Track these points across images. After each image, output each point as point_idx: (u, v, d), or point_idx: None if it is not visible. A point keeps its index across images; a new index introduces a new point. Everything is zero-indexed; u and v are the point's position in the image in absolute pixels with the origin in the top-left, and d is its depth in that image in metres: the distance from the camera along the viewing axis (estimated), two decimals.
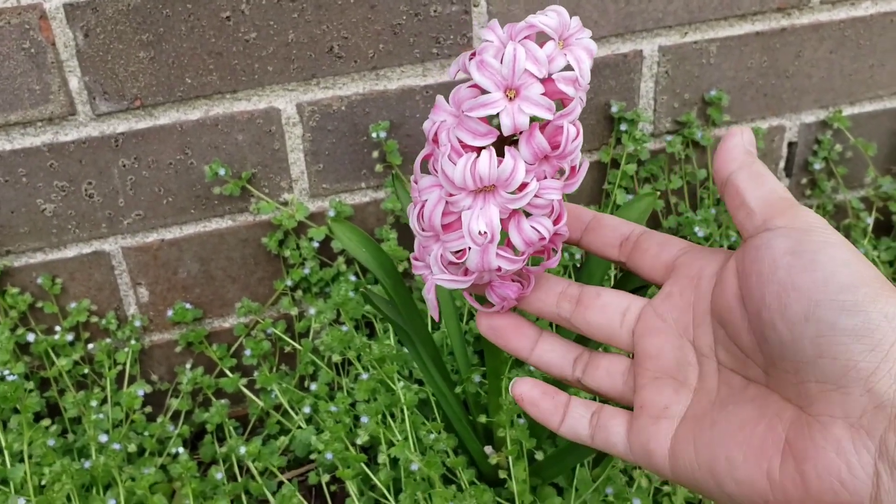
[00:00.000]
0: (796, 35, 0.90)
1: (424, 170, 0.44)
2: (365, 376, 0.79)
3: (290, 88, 0.79)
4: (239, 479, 0.80)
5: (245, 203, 0.83)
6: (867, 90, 0.96)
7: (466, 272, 0.44)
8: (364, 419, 0.75)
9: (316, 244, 0.85)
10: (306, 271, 0.85)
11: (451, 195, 0.41)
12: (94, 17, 0.72)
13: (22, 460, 0.77)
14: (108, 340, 0.83)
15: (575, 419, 0.45)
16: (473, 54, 0.41)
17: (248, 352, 0.84)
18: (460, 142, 0.40)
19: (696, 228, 0.90)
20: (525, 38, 0.39)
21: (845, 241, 0.36)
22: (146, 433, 0.82)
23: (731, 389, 0.39)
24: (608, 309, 0.45)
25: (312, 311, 0.84)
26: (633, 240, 0.45)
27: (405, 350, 0.83)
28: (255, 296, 0.87)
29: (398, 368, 0.79)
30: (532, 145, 0.40)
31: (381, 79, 0.81)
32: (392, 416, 0.78)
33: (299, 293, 0.87)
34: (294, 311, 0.87)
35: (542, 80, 0.39)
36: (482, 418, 0.75)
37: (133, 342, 0.84)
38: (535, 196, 0.41)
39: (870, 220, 0.99)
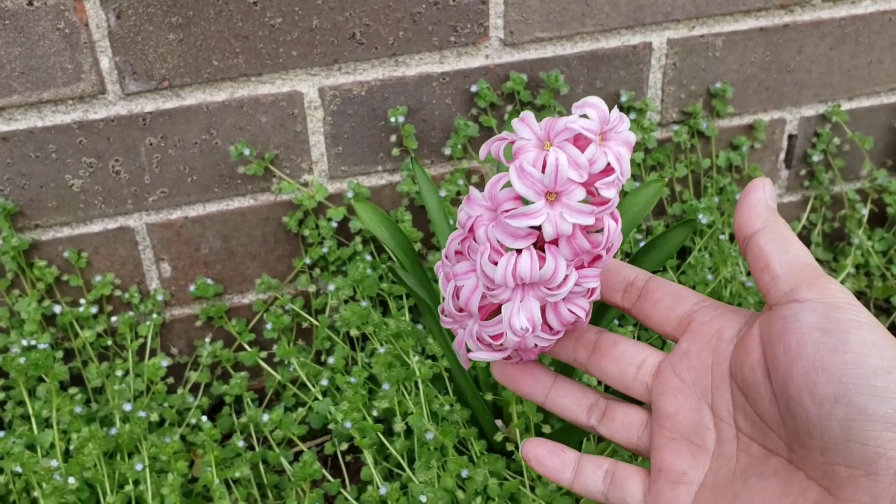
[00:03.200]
0: (798, 31, 0.94)
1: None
2: (382, 350, 0.81)
3: (312, 73, 0.82)
4: (257, 449, 0.83)
5: (267, 183, 0.86)
6: (865, 86, 0.99)
7: (501, 347, 0.44)
8: (385, 386, 0.78)
9: (334, 224, 0.87)
10: (324, 250, 0.88)
11: (489, 288, 0.41)
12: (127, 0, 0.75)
13: (48, 427, 0.80)
14: (130, 314, 0.86)
15: (587, 476, 0.45)
16: (503, 139, 0.40)
17: (268, 325, 0.87)
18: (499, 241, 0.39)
19: (700, 216, 0.94)
20: (564, 140, 0.38)
21: (873, 318, 0.36)
22: (166, 404, 0.85)
23: (751, 459, 0.39)
24: (624, 360, 0.44)
25: (331, 287, 0.87)
26: (637, 285, 0.45)
27: (419, 327, 0.86)
28: (274, 273, 0.90)
29: (413, 344, 0.82)
30: (573, 245, 0.40)
31: (399, 65, 0.84)
32: (407, 389, 0.81)
33: (317, 271, 0.90)
34: (312, 289, 0.90)
35: (583, 182, 0.39)
36: (489, 396, 0.79)
37: (155, 316, 0.87)
38: (575, 284, 0.41)
39: (865, 211, 1.02)
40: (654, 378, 0.43)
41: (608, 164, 0.38)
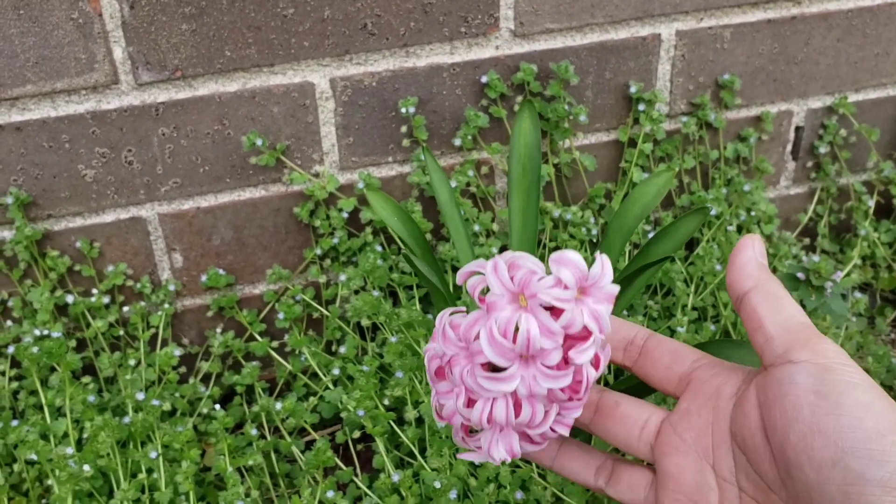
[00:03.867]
0: (806, 23, 0.94)
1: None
2: (394, 339, 0.82)
3: (324, 63, 0.83)
4: (268, 438, 0.83)
5: (278, 174, 0.86)
6: (871, 78, 1.00)
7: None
8: (399, 374, 0.78)
9: (345, 214, 0.88)
10: (335, 240, 0.88)
11: (468, 420, 0.40)
12: None
13: (61, 416, 0.80)
14: (142, 304, 0.86)
15: None
16: (479, 271, 0.39)
17: (280, 315, 0.87)
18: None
19: (709, 206, 0.94)
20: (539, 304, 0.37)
21: (867, 378, 0.36)
22: (178, 394, 0.85)
23: None
24: (627, 421, 0.44)
25: (343, 277, 0.87)
26: (638, 343, 0.45)
27: (430, 317, 0.87)
28: (285, 264, 0.90)
29: (424, 334, 0.83)
30: (550, 396, 0.39)
31: (410, 56, 0.85)
32: (418, 379, 0.82)
33: (327, 262, 0.91)
34: (322, 279, 0.91)
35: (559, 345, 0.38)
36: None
37: (166, 306, 0.87)
38: (557, 414, 0.40)
39: (871, 203, 1.03)
40: (656, 438, 0.44)
41: (584, 325, 0.37)
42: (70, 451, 0.72)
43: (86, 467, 0.72)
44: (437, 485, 0.69)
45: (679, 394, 0.44)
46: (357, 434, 0.82)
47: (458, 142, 0.89)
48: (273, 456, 0.82)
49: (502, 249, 0.94)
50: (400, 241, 0.87)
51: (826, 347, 0.37)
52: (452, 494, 0.69)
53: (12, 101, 0.77)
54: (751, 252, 0.41)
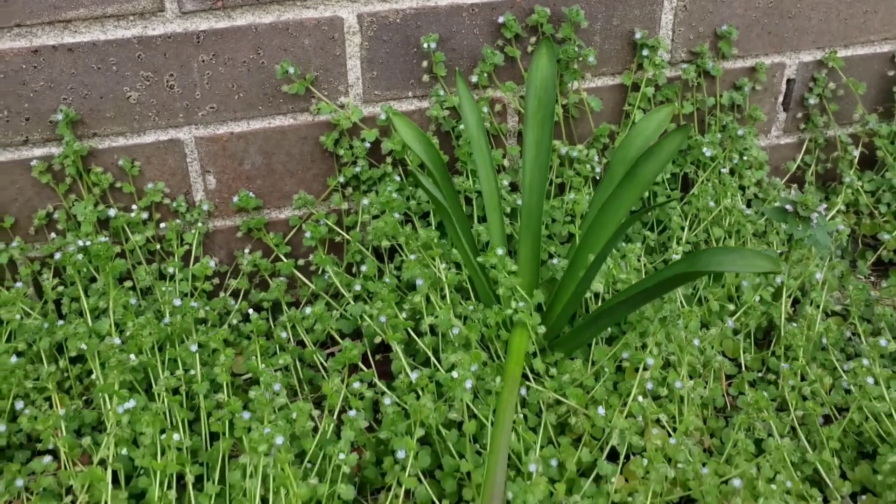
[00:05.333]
0: None
1: None
2: (413, 257, 0.89)
3: None
4: (293, 347, 0.90)
5: (306, 103, 0.93)
6: (860, 34, 1.07)
7: None
8: (419, 281, 0.84)
9: (367, 145, 0.94)
10: (357, 169, 0.95)
11: None
12: None
13: (104, 317, 0.86)
14: (177, 221, 0.93)
15: None
16: None
17: (307, 234, 0.93)
18: None
19: (704, 149, 1.01)
20: None
21: None
22: (208, 307, 0.92)
23: None
24: None
25: (365, 201, 0.94)
26: None
27: (444, 242, 0.93)
28: (309, 190, 0.97)
29: (440, 253, 0.89)
30: None
31: None
32: (434, 296, 0.88)
33: (349, 190, 0.97)
34: (344, 206, 0.97)
35: None
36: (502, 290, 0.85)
37: (199, 225, 0.93)
38: None
39: (856, 153, 1.10)
40: None
41: None
42: (118, 341, 0.79)
43: (131, 357, 0.78)
44: (455, 374, 0.76)
45: None
46: (378, 339, 0.88)
47: (474, 79, 0.95)
48: (297, 364, 0.89)
49: (513, 185, 1.01)
50: (419, 167, 0.94)
51: None
52: (468, 384, 0.76)
53: (65, 23, 0.83)
54: None
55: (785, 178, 1.12)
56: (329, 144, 0.94)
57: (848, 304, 0.96)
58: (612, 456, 0.81)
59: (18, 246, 0.90)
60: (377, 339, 0.88)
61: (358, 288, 0.91)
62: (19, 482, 0.72)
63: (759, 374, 0.90)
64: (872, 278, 1.08)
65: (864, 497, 0.79)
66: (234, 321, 0.92)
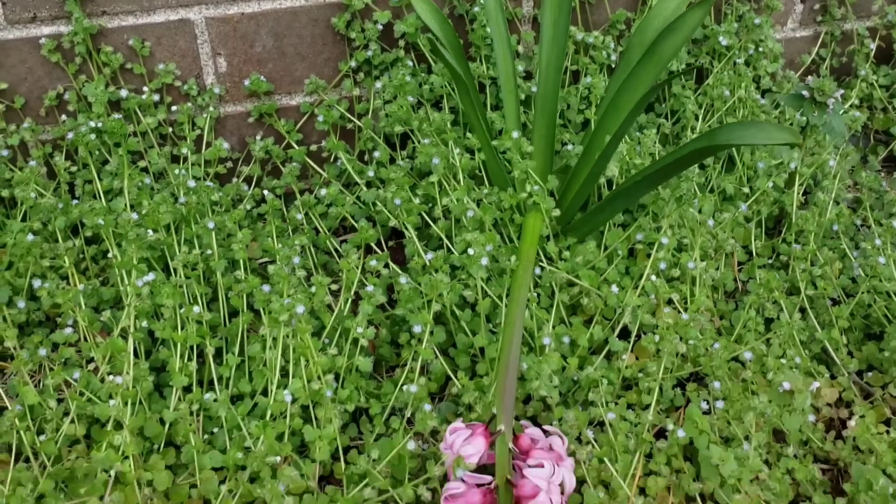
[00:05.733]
0: None
1: None
2: (426, 141, 0.88)
3: None
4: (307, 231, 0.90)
5: None
6: None
7: None
8: (435, 160, 0.84)
9: (380, 27, 0.93)
10: (369, 53, 0.94)
11: None
12: None
13: (119, 197, 0.86)
14: (188, 105, 0.92)
15: None
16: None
17: (320, 118, 0.93)
18: None
19: (721, 38, 1.00)
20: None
21: None
22: (221, 193, 0.92)
23: None
24: None
25: (378, 84, 0.93)
26: None
27: (457, 128, 0.93)
28: (321, 75, 0.96)
29: (455, 137, 0.89)
30: None
31: None
32: (448, 182, 0.88)
33: (361, 76, 0.96)
34: (355, 93, 0.96)
35: None
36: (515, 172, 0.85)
37: (211, 109, 0.93)
38: None
39: (872, 47, 1.09)
40: None
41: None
42: (135, 216, 0.79)
43: (149, 232, 0.78)
44: (472, 251, 0.76)
45: None
46: (392, 223, 0.88)
47: None
48: (312, 250, 0.89)
49: (527, 74, 1.00)
50: (440, 39, 0.93)
51: None
52: (483, 261, 0.77)
53: None
54: None
55: (799, 72, 1.11)
56: (341, 26, 0.92)
57: (860, 192, 0.97)
58: (624, 335, 0.82)
59: (30, 127, 0.89)
60: (391, 224, 0.88)
61: (371, 174, 0.91)
62: (42, 351, 0.73)
63: (770, 262, 0.91)
64: (883, 174, 1.08)
65: (870, 374, 0.80)
66: (248, 206, 0.92)
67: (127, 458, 0.68)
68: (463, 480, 0.65)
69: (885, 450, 0.69)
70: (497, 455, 0.66)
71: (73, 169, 0.89)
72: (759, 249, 0.92)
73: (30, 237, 0.81)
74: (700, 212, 0.85)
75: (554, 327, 0.80)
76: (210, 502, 0.69)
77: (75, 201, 0.85)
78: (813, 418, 0.73)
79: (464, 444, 0.66)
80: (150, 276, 0.76)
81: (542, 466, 0.63)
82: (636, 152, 0.89)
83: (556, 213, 0.84)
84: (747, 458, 0.67)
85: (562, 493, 0.64)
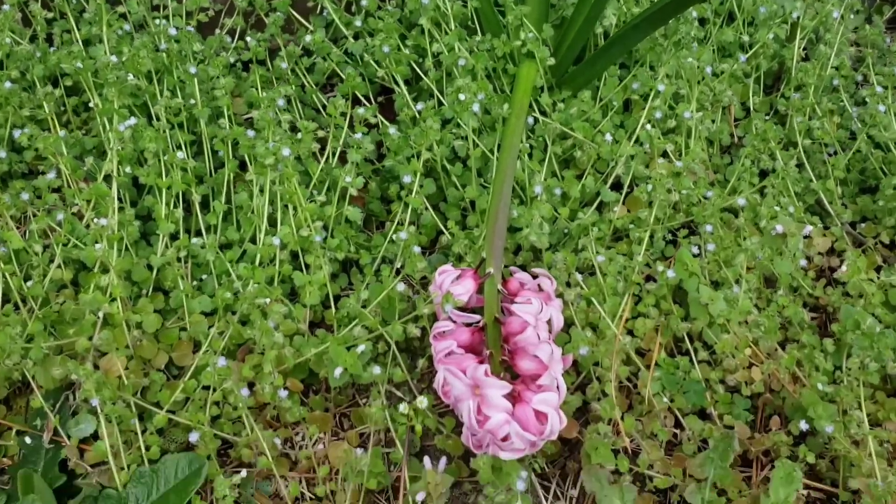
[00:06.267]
0: None
1: None
2: None
3: None
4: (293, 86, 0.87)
5: None
6: None
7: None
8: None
9: None
10: None
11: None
12: None
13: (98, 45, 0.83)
14: None
15: None
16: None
17: None
18: None
19: None
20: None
21: None
22: (204, 47, 0.88)
23: None
24: None
25: None
26: None
27: None
28: None
29: None
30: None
31: None
32: (439, 31, 0.85)
33: None
34: None
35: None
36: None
37: None
38: None
39: None
40: None
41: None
42: (115, 59, 0.76)
43: (129, 76, 0.76)
44: (462, 97, 0.74)
45: None
46: (381, 73, 0.85)
47: None
48: (298, 104, 0.87)
49: None
50: None
51: None
52: (475, 108, 0.75)
53: None
54: None
55: None
56: None
57: (861, 50, 0.94)
58: (617, 188, 0.81)
59: None
60: (380, 75, 0.85)
61: (358, 24, 0.88)
62: (24, 195, 0.72)
63: (767, 117, 0.89)
64: (888, 33, 1.05)
65: (863, 225, 0.80)
66: (232, 59, 0.89)
67: (114, 300, 0.68)
68: (452, 320, 0.65)
69: (875, 291, 0.69)
70: (486, 295, 0.65)
71: (50, 16, 0.86)
72: (756, 105, 0.90)
73: (7, 84, 0.78)
74: (699, 59, 0.82)
75: (546, 179, 0.79)
76: (200, 344, 0.69)
77: (53, 49, 0.82)
78: (804, 263, 0.73)
79: (453, 283, 0.66)
80: (132, 121, 0.74)
81: (531, 303, 0.63)
82: (633, 0, 0.85)
83: (552, 61, 0.81)
84: (737, 300, 0.67)
85: (549, 331, 0.64)
